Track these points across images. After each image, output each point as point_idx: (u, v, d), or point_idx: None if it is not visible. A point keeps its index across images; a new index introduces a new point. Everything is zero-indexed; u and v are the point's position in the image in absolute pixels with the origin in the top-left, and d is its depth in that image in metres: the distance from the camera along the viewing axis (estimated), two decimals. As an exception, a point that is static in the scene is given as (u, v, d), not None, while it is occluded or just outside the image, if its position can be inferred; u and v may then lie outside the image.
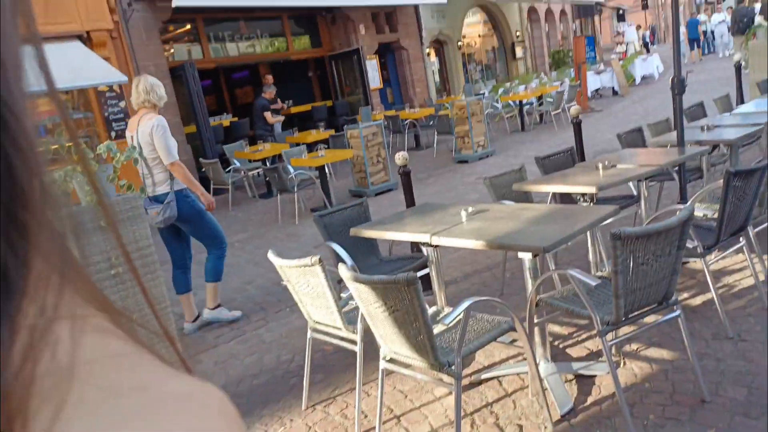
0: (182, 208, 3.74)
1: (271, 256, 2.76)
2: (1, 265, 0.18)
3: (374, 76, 12.66)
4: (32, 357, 0.18)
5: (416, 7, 13.54)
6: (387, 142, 8.12)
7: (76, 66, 7.18)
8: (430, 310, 2.66)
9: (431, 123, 10.71)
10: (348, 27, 12.38)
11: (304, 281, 2.69)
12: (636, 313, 2.28)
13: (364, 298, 2.28)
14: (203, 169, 8.58)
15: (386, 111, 12.04)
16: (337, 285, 3.02)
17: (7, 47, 0.19)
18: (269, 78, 10.09)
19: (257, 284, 4.66)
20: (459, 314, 2.15)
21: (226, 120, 11.63)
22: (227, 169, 8.46)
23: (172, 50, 10.58)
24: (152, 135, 3.60)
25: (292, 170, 7.05)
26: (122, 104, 8.61)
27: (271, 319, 4.06)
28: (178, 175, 3.70)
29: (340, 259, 3.22)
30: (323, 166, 7.05)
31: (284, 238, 6.20)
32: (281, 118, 10.10)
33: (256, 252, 5.71)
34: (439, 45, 15.44)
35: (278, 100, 10.28)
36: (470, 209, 2.94)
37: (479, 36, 18.01)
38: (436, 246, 2.84)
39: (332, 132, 9.41)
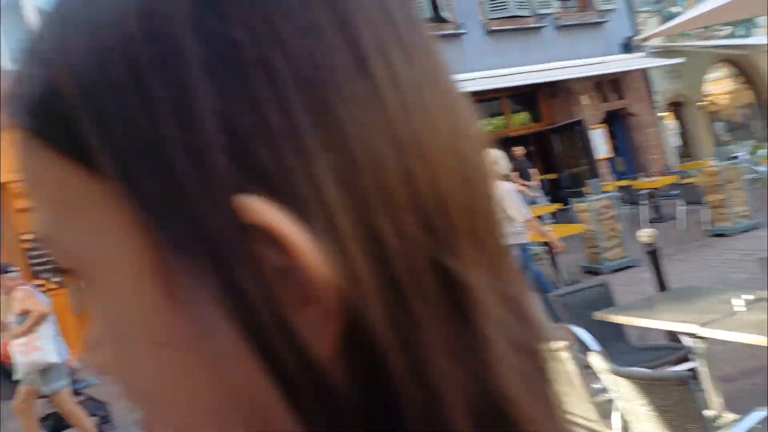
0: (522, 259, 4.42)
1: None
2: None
3: (601, 146, 12.07)
4: None
5: (644, 70, 12.72)
6: (620, 214, 7.52)
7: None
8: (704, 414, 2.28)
9: (673, 192, 9.61)
10: (570, 99, 12.20)
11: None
12: None
13: (624, 393, 2.07)
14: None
15: (617, 181, 11.25)
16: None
17: None
18: (518, 150, 9.43)
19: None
20: (753, 425, 1.80)
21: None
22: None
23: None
24: (505, 198, 4.34)
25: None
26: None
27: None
28: (532, 229, 4.39)
29: (581, 344, 3.01)
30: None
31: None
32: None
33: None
34: (675, 107, 14.11)
35: (528, 171, 9.28)
36: (750, 296, 2.50)
37: (727, 93, 15.94)
38: (705, 338, 2.48)
39: (559, 206, 9.12)
